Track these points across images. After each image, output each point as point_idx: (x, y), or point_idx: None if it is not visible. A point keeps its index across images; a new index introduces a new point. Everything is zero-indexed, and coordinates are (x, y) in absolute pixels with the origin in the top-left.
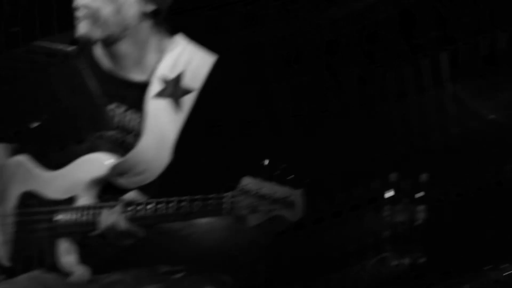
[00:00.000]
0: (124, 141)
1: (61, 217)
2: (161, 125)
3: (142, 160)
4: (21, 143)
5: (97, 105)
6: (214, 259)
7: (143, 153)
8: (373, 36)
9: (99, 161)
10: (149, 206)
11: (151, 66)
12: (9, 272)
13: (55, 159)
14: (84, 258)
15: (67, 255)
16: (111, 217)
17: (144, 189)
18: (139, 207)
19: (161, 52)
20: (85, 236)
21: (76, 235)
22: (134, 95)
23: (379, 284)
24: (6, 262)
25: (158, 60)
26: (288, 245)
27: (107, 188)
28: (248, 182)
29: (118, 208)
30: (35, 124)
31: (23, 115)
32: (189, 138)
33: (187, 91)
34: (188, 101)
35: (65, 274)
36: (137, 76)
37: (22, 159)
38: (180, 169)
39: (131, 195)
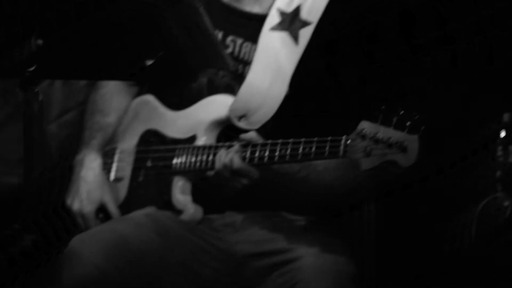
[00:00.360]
0: (241, 74)
1: (179, 155)
2: (277, 57)
3: (256, 93)
4: (141, 83)
5: (214, 43)
6: (325, 200)
7: (256, 86)
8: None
9: (222, 102)
10: (266, 147)
11: (269, 1)
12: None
13: (175, 98)
14: (198, 197)
15: (181, 193)
16: (227, 157)
17: (261, 129)
18: (256, 148)
19: None
20: (201, 176)
21: (192, 175)
22: (251, 27)
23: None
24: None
25: None
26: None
27: (228, 130)
28: (365, 126)
29: (234, 148)
30: (151, 62)
31: (140, 55)
32: (307, 73)
33: (305, 24)
34: (306, 34)
35: (178, 212)
36: (254, 9)
37: (148, 98)
38: (296, 106)
39: (249, 135)
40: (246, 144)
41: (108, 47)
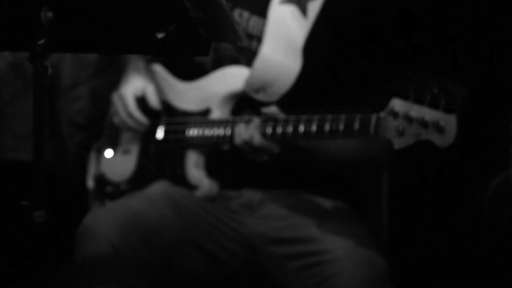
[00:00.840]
0: (248, 48)
1: (193, 129)
2: (287, 30)
3: (271, 66)
4: (153, 54)
5: (227, 15)
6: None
7: (270, 59)
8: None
9: (237, 75)
10: (288, 123)
11: None
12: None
13: (181, 69)
14: (214, 172)
15: (195, 168)
16: (247, 133)
17: (280, 102)
18: (277, 123)
19: None
20: (216, 150)
21: (207, 149)
22: (257, 0)
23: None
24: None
25: None
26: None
27: (244, 103)
28: (396, 103)
29: (255, 123)
30: (162, 34)
31: (152, 28)
32: (319, 46)
33: None
34: (315, 8)
35: (192, 187)
36: None
37: (158, 68)
38: (313, 79)
39: (270, 110)
40: (267, 119)
41: (119, 20)
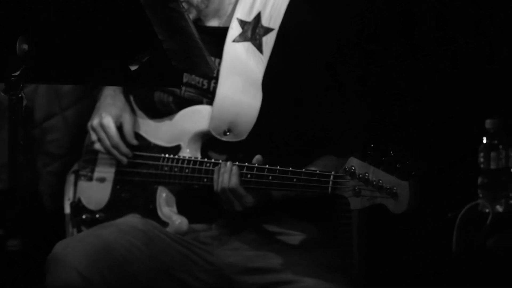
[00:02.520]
0: (207, 89)
1: (164, 165)
2: (244, 67)
3: (231, 105)
4: (126, 85)
5: (199, 47)
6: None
7: (229, 98)
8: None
9: (204, 114)
10: (254, 171)
11: (227, 11)
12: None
13: (151, 107)
14: (184, 207)
15: (166, 205)
16: (225, 176)
17: (242, 145)
18: (247, 170)
19: None
20: (187, 187)
21: (178, 186)
22: (212, 42)
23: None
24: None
25: (235, 4)
26: None
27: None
28: (353, 163)
29: (232, 168)
30: (136, 66)
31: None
32: (278, 78)
33: (267, 31)
34: (270, 41)
35: (163, 223)
36: (214, 23)
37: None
38: (276, 111)
39: (256, 159)
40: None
41: (94, 51)
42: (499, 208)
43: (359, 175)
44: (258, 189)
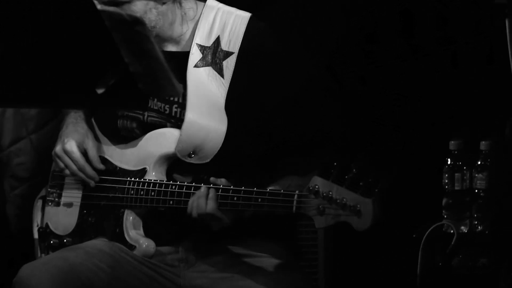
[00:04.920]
0: (169, 114)
1: (130, 188)
2: (207, 92)
3: (198, 129)
4: (92, 108)
5: (165, 70)
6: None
7: (196, 123)
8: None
9: (169, 136)
10: (219, 192)
11: (186, 36)
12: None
13: (115, 131)
14: (151, 230)
15: (133, 229)
16: (200, 200)
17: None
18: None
19: (194, 21)
20: (153, 210)
21: (144, 209)
22: (174, 66)
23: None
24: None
25: (193, 29)
26: None
27: (180, 165)
28: (317, 182)
29: (206, 193)
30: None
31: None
32: (240, 102)
33: (227, 55)
34: (230, 65)
35: (130, 246)
36: (173, 48)
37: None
38: (241, 135)
39: (220, 182)
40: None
41: (59, 74)
42: (464, 229)
43: (322, 193)
44: (221, 209)
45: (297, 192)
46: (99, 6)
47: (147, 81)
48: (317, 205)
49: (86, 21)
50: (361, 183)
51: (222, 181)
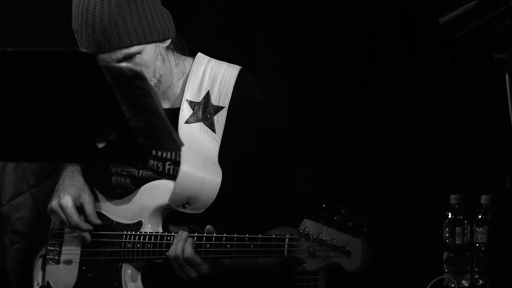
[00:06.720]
0: (161, 172)
1: (127, 242)
2: (200, 146)
3: (193, 182)
4: (93, 162)
5: (166, 125)
6: None
7: (191, 175)
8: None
9: (163, 188)
10: (213, 241)
11: (176, 92)
12: None
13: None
14: (149, 284)
15: (132, 281)
16: (179, 246)
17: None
18: (203, 240)
19: (183, 75)
20: (151, 263)
21: (142, 262)
22: None
23: None
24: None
25: (183, 84)
26: None
27: (175, 216)
28: (307, 225)
29: (187, 238)
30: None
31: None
32: (232, 155)
33: (217, 110)
34: (221, 119)
35: None
36: (165, 105)
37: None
38: (235, 187)
39: (207, 229)
40: (199, 236)
41: (60, 129)
42: (465, 283)
43: (313, 235)
44: (215, 258)
45: (288, 235)
46: (100, 62)
47: (148, 136)
48: (308, 248)
49: (88, 77)
50: (350, 224)
51: (207, 228)
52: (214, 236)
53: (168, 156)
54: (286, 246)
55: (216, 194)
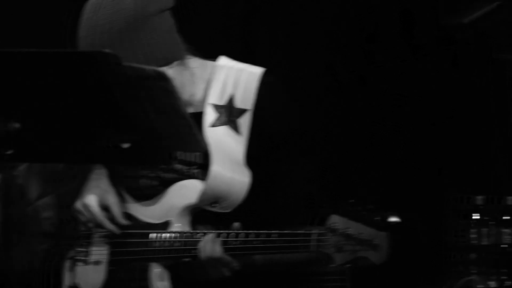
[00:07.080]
0: (188, 174)
1: (155, 241)
2: (227, 148)
3: (222, 182)
4: (117, 164)
5: (189, 125)
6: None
7: (220, 175)
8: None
9: (191, 188)
10: (240, 237)
11: (198, 96)
12: None
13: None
14: (177, 284)
15: (160, 281)
16: (211, 246)
17: (234, 214)
18: (233, 238)
19: (204, 80)
20: (178, 262)
21: (169, 261)
22: None
23: None
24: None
25: (205, 88)
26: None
27: (204, 216)
28: (335, 220)
29: (217, 237)
30: (126, 146)
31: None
32: (258, 157)
33: (241, 112)
34: (246, 122)
35: None
36: (189, 110)
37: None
38: (262, 188)
39: (234, 226)
40: (227, 234)
41: (85, 130)
42: (492, 284)
43: (341, 230)
44: (244, 254)
45: (315, 230)
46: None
47: (171, 137)
48: (335, 243)
49: (112, 77)
50: (375, 218)
51: (235, 225)
52: (241, 232)
53: (195, 160)
54: (314, 241)
55: (245, 194)
